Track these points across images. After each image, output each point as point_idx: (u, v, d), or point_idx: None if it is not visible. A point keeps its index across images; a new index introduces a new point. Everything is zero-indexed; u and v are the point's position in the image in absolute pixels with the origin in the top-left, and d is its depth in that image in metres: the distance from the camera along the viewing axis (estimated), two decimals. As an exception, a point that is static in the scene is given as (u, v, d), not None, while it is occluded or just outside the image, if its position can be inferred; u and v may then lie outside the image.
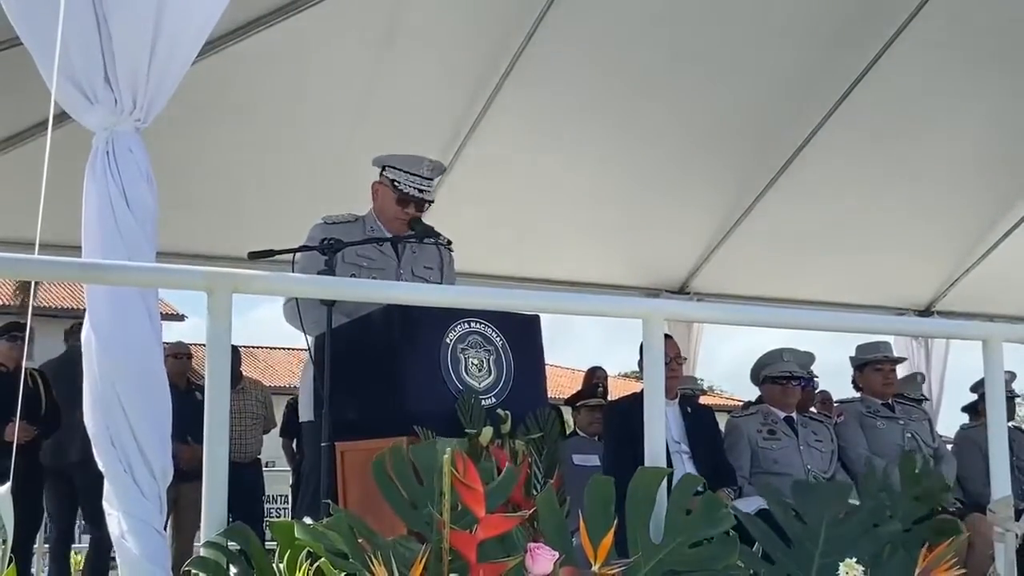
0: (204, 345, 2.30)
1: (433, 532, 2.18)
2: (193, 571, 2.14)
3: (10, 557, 2.30)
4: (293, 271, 3.60)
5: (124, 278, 2.40)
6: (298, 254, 3.56)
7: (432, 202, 3.90)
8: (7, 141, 5.38)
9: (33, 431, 6.14)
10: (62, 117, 2.92)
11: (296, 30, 5.26)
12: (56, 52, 2.54)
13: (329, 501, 2.75)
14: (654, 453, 2.54)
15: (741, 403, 9.82)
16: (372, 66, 5.69)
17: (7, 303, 15.81)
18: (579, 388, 7.41)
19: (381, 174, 3.87)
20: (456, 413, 3.00)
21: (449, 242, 3.71)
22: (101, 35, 2.61)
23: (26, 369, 6.38)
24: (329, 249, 3.41)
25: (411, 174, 3.79)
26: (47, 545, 7.84)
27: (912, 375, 6.50)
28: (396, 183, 3.79)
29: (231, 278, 2.25)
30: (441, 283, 3.85)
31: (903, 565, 2.61)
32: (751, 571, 2.52)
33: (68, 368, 5.60)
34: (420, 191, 3.79)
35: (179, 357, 6.87)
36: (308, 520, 2.18)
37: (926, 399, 6.73)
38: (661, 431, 2.58)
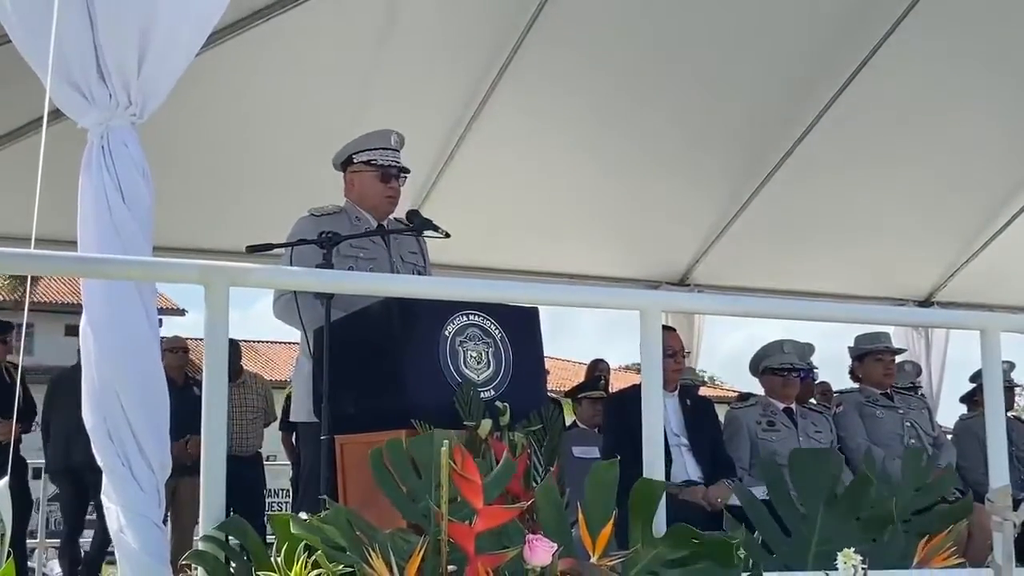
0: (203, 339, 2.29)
1: (431, 524, 2.18)
2: (191, 564, 2.14)
3: (8, 551, 2.30)
4: (290, 265, 3.60)
5: (121, 272, 2.39)
6: (294, 249, 3.56)
7: (409, 171, 3.93)
8: (3, 137, 5.38)
9: (17, 429, 6.17)
10: (57, 113, 2.92)
11: (294, 24, 5.25)
12: (50, 51, 2.53)
13: (326, 496, 2.75)
14: (653, 446, 2.53)
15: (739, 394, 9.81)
16: (370, 60, 5.69)
17: (5, 298, 15.79)
18: (581, 380, 7.42)
19: (350, 165, 3.87)
20: (455, 406, 3.00)
21: (447, 234, 3.71)
22: (94, 31, 2.60)
23: (5, 365, 6.45)
24: (327, 243, 3.41)
25: (385, 149, 3.84)
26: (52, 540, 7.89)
27: (899, 363, 6.46)
28: (373, 162, 3.82)
29: (228, 272, 2.24)
30: (425, 269, 3.88)
31: (901, 552, 2.61)
32: (750, 561, 2.51)
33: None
34: (396, 162, 3.84)
35: (175, 351, 6.81)
36: (304, 515, 2.18)
37: (918, 387, 6.72)
38: (659, 424, 2.57)
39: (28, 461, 6.83)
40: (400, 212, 3.94)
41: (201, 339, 2.28)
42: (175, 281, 2.67)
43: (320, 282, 2.95)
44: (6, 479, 2.44)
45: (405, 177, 3.92)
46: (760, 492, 3.10)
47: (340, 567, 2.05)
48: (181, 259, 2.34)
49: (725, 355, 56.80)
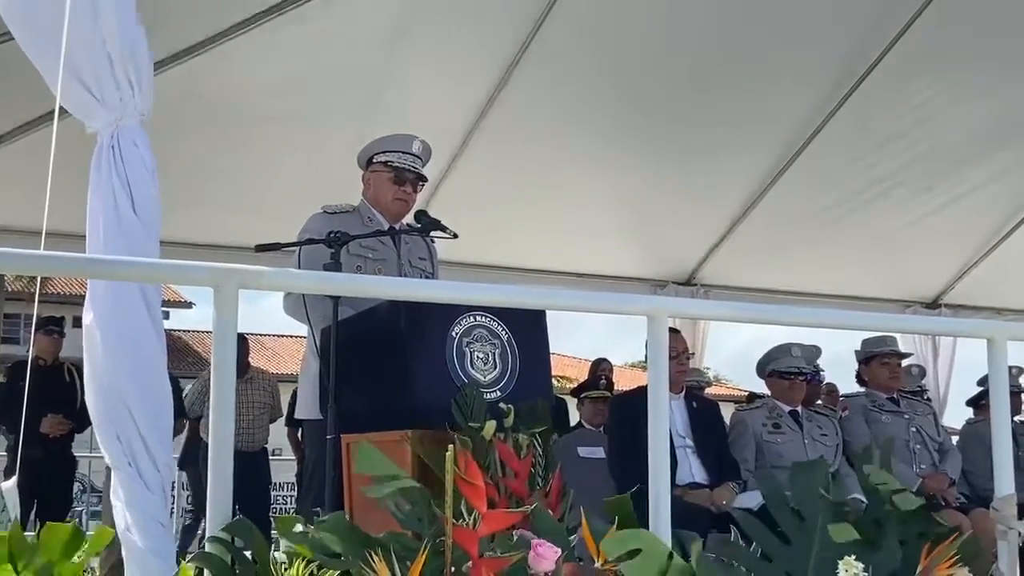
0: (210, 332, 2.28)
1: (425, 529, 2.18)
2: (196, 565, 2.14)
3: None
4: (298, 263, 3.62)
5: (130, 273, 2.39)
6: (302, 247, 3.58)
7: (426, 180, 3.94)
8: (15, 131, 5.40)
9: (68, 425, 6.21)
10: (69, 108, 2.93)
11: (305, 23, 5.25)
12: (62, 52, 2.54)
13: (319, 510, 2.75)
14: (657, 451, 2.54)
15: (746, 393, 9.82)
16: (380, 61, 5.68)
17: (20, 289, 15.79)
18: (583, 380, 7.43)
19: (370, 164, 3.89)
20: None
21: (455, 235, 3.72)
22: (104, 32, 2.60)
23: (63, 362, 6.46)
24: (336, 242, 3.42)
25: (404, 152, 3.85)
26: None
27: (907, 367, 6.44)
28: (390, 163, 3.83)
29: (237, 274, 2.23)
30: (433, 273, 3.89)
31: (903, 562, 2.61)
32: (751, 573, 2.51)
33: None
34: (414, 167, 3.84)
35: None
36: (299, 528, 2.18)
37: (924, 390, 6.70)
38: (665, 428, 2.57)
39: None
40: (409, 213, 3.95)
41: (208, 332, 2.28)
42: (185, 283, 2.68)
43: (328, 285, 2.95)
44: (14, 479, 2.44)
45: (422, 184, 3.92)
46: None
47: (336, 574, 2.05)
48: (191, 261, 2.33)
49: (731, 353, 56.82)
